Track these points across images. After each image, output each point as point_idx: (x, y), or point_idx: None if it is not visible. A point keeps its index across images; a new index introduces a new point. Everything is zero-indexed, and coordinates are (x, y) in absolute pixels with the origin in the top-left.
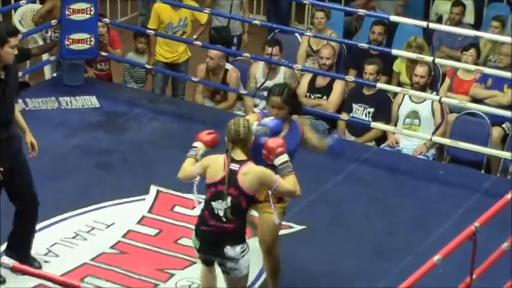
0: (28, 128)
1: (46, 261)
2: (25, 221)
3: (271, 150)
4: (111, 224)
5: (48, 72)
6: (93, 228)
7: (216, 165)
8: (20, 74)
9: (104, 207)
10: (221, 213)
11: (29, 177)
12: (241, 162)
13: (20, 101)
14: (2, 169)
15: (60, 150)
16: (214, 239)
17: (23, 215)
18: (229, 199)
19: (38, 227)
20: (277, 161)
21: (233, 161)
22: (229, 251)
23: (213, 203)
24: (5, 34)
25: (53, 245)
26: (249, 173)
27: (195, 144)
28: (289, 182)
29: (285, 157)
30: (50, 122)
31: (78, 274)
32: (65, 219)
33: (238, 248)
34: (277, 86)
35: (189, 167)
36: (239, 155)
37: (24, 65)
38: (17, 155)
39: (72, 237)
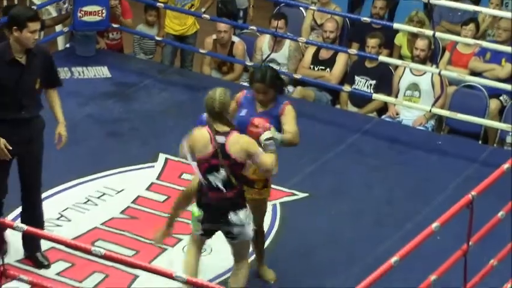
0: (63, 120)
1: (58, 225)
2: None
3: (259, 124)
4: (121, 190)
5: (61, 43)
6: (103, 194)
7: (202, 140)
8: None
9: (114, 173)
10: (219, 184)
11: (34, 171)
12: (225, 134)
13: None
14: (9, 147)
15: (73, 118)
16: (217, 208)
17: None
18: (223, 170)
19: (50, 192)
20: (263, 136)
21: (217, 133)
22: (233, 217)
23: (209, 176)
24: (24, 18)
25: (65, 209)
26: (236, 143)
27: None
28: (270, 157)
29: (270, 133)
30: (63, 91)
31: (89, 238)
32: (77, 185)
33: (241, 213)
34: (258, 70)
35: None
36: (221, 127)
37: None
38: (28, 142)
39: (84, 203)
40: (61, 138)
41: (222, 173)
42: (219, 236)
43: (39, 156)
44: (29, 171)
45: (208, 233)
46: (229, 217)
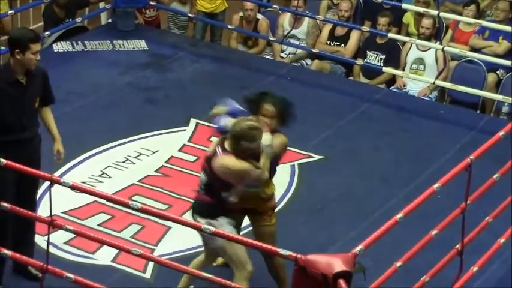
0: (59, 137)
1: (100, 182)
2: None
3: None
4: (156, 151)
5: (104, 19)
6: (140, 154)
7: (213, 144)
8: (79, 19)
9: (150, 136)
10: (201, 184)
11: (28, 194)
12: (225, 151)
13: (73, 42)
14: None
15: (114, 86)
16: (194, 204)
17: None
18: (206, 175)
19: (93, 152)
20: (265, 141)
21: (222, 146)
22: (197, 219)
23: (201, 173)
24: (27, 40)
25: (106, 167)
26: (223, 161)
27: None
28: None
29: (269, 139)
30: (105, 61)
31: (127, 193)
32: (117, 145)
33: (203, 221)
34: (272, 96)
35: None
36: (228, 145)
37: (83, 11)
38: (30, 161)
39: (123, 162)
40: (60, 155)
41: (205, 178)
42: None
43: (34, 179)
44: (27, 187)
45: None
46: (194, 216)
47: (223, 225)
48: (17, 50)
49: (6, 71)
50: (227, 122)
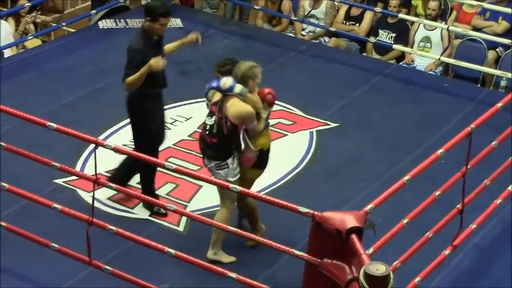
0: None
1: None
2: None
3: (273, 101)
4: (189, 118)
5: None
6: (175, 120)
7: (217, 95)
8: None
9: (184, 104)
10: (208, 128)
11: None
12: (232, 95)
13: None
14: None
15: None
16: (202, 147)
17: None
18: (214, 117)
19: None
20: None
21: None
22: (205, 161)
23: (206, 118)
24: (158, 14)
25: None
26: (232, 106)
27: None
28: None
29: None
30: None
31: (164, 155)
32: None
33: (212, 163)
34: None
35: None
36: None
37: None
38: (163, 112)
39: None
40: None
41: (213, 119)
42: None
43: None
44: None
45: None
46: (204, 158)
47: (233, 164)
48: (148, 19)
49: (144, 35)
50: (222, 81)
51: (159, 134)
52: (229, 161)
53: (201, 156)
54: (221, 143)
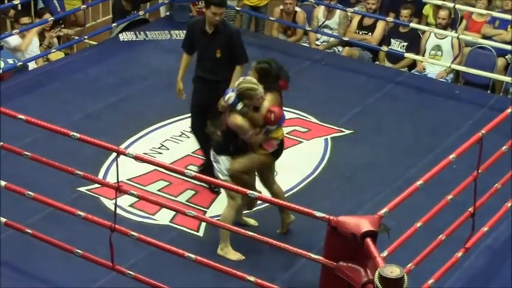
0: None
1: (159, 153)
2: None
3: (274, 120)
4: None
5: (163, 12)
6: None
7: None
8: (142, 13)
9: None
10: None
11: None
12: (233, 111)
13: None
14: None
15: (171, 71)
16: (214, 142)
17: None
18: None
19: (154, 127)
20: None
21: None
22: (211, 150)
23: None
24: (210, 2)
25: (164, 141)
26: (231, 116)
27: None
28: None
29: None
30: (163, 49)
31: (183, 163)
32: (174, 121)
33: (212, 152)
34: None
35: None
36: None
37: (144, 6)
38: (207, 100)
39: (179, 136)
40: None
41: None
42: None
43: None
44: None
45: None
46: (211, 153)
47: (223, 161)
48: (205, 6)
49: (200, 21)
50: (227, 96)
51: None
52: (223, 158)
53: None
54: (222, 138)
